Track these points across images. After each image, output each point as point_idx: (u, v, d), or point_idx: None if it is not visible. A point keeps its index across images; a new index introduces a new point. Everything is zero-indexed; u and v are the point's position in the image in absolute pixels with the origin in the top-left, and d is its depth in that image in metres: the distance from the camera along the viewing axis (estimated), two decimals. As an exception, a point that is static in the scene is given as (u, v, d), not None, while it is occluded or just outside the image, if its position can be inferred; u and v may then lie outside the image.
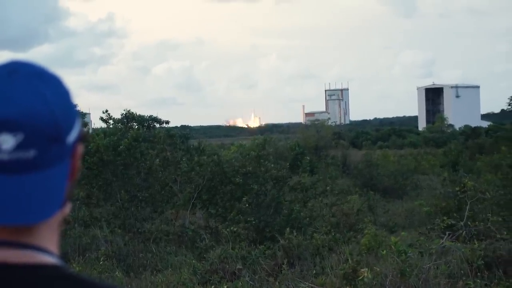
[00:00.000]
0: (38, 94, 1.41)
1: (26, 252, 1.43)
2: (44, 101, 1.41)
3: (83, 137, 1.54)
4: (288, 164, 21.68)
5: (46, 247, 1.47)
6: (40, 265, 1.44)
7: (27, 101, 1.39)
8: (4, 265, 1.41)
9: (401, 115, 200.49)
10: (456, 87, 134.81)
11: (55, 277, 1.44)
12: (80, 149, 1.53)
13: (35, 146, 1.37)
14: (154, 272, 14.36)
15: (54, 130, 1.40)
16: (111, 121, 25.62)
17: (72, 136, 1.47)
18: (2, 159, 1.36)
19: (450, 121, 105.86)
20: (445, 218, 14.52)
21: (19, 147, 1.36)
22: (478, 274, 10.86)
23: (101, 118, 25.34)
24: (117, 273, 13.83)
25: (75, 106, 1.52)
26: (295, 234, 14.47)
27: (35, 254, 1.44)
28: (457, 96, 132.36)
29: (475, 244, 11.81)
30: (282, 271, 11.76)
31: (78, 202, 18.88)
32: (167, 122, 28.55)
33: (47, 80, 1.46)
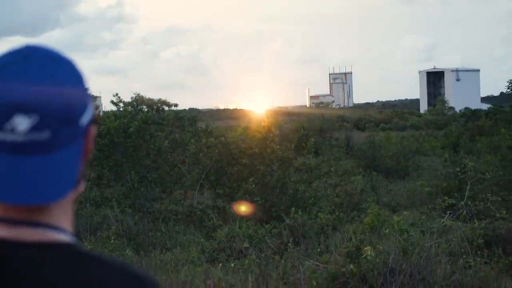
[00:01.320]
0: (52, 77, 1.42)
1: (39, 230, 1.44)
2: (57, 84, 1.41)
3: (96, 119, 1.55)
4: (293, 145, 21.62)
5: (60, 226, 1.48)
6: (53, 243, 1.45)
7: (41, 84, 1.39)
8: (18, 243, 1.42)
9: (403, 98, 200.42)
10: (457, 70, 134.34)
11: (67, 255, 1.45)
12: (93, 130, 1.54)
13: (49, 127, 1.38)
14: (164, 250, 14.39)
15: (67, 112, 1.41)
16: (121, 104, 25.70)
17: (85, 118, 1.47)
18: (17, 140, 1.37)
19: (451, 103, 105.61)
20: (446, 198, 14.51)
21: (33, 128, 1.37)
22: (478, 252, 10.87)
23: (112, 101, 25.43)
24: (127, 251, 13.87)
25: (87, 89, 1.52)
26: (300, 213, 14.48)
27: (49, 233, 1.45)
28: (458, 80, 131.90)
29: (475, 223, 11.82)
30: (288, 249, 11.78)
31: (89, 182, 18.94)
32: (176, 105, 28.62)
33: (60, 64, 1.47)
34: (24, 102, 1.36)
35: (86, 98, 1.49)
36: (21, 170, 1.37)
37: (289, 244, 11.91)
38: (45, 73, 1.41)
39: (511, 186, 18.64)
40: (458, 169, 17.15)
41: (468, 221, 12.98)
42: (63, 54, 1.50)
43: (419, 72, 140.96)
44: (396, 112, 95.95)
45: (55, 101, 1.39)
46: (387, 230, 11.01)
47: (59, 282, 1.41)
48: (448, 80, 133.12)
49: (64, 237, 1.48)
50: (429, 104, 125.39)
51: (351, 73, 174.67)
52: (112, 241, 14.39)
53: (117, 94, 25.55)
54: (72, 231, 1.53)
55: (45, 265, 1.42)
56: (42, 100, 1.38)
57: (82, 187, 1.53)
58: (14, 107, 1.36)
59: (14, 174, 1.37)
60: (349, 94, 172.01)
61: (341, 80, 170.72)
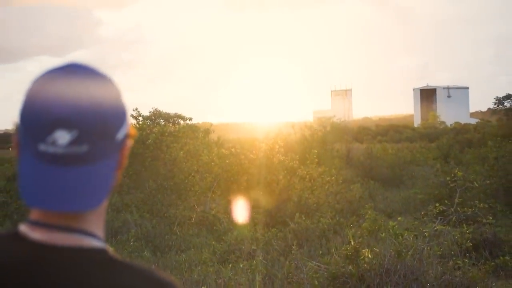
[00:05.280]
0: (92, 94, 1.43)
1: (74, 236, 1.46)
2: (96, 101, 1.43)
3: (131, 134, 1.56)
4: (297, 156, 21.63)
5: (94, 232, 1.50)
6: (87, 248, 1.47)
7: (82, 101, 1.41)
8: (54, 247, 1.44)
9: (398, 112, 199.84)
10: (448, 88, 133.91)
11: (100, 259, 1.47)
12: (129, 144, 1.55)
13: (87, 142, 1.40)
14: (178, 252, 14.40)
15: (104, 128, 1.43)
16: (140, 118, 25.71)
17: (121, 133, 1.49)
18: (57, 152, 1.39)
19: (442, 118, 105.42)
20: (437, 204, 14.41)
21: (73, 142, 1.39)
22: (467, 254, 10.88)
23: (132, 115, 25.44)
24: (145, 252, 13.88)
25: (124, 105, 1.53)
26: (303, 218, 14.50)
27: (83, 238, 1.47)
28: (449, 96, 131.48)
29: (464, 228, 11.80)
30: (292, 252, 11.77)
31: (111, 190, 18.96)
32: (190, 119, 28.57)
33: (99, 81, 1.48)
34: (66, 118, 1.38)
35: (122, 114, 1.50)
36: (60, 180, 1.40)
37: (293, 247, 11.91)
38: (85, 90, 1.43)
39: (497, 194, 18.62)
40: (448, 178, 17.08)
41: (458, 226, 12.96)
42: (102, 72, 1.51)
43: (413, 89, 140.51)
44: (392, 126, 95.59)
45: (93, 117, 1.41)
46: (383, 234, 11.01)
47: (93, 285, 1.42)
48: (440, 96, 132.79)
49: (97, 243, 1.49)
50: (422, 118, 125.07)
51: (351, 89, 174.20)
52: (131, 244, 14.40)
53: (136, 109, 25.62)
54: (103, 237, 1.54)
55: (79, 269, 1.43)
56: (82, 116, 1.39)
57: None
58: (57, 122, 1.38)
59: (53, 183, 1.39)
60: (349, 109, 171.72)
61: (341, 96, 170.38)
